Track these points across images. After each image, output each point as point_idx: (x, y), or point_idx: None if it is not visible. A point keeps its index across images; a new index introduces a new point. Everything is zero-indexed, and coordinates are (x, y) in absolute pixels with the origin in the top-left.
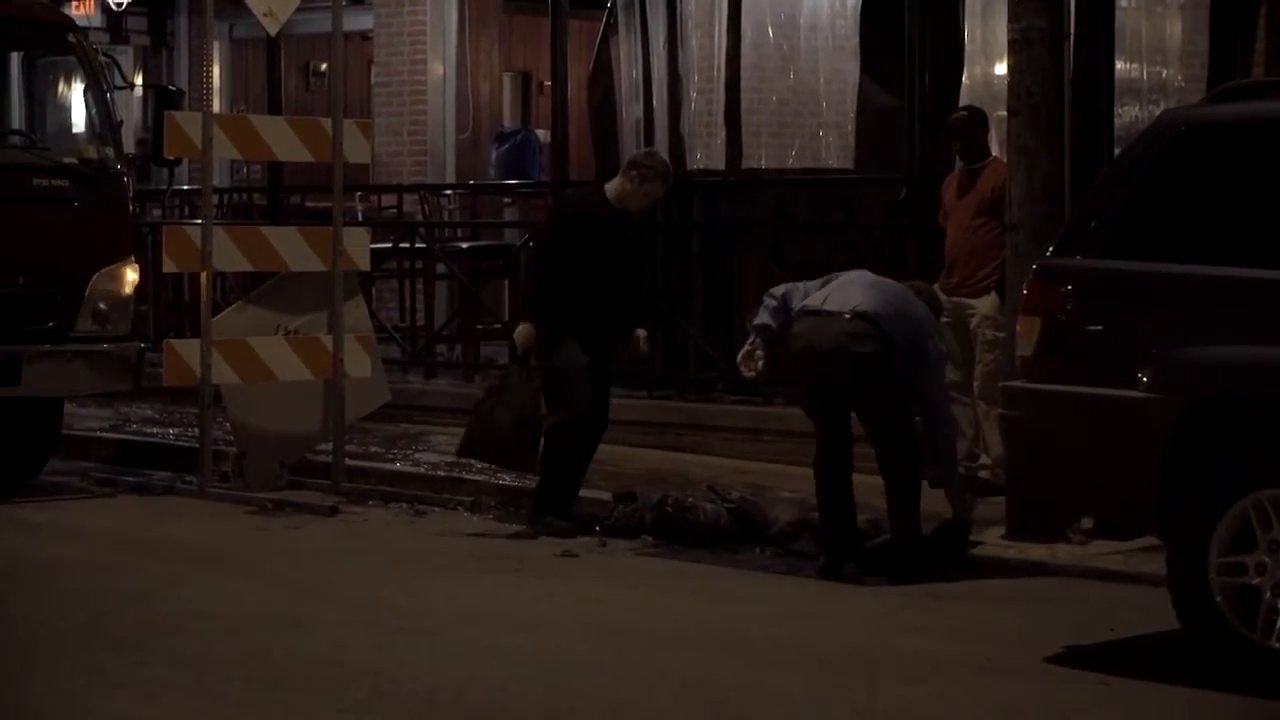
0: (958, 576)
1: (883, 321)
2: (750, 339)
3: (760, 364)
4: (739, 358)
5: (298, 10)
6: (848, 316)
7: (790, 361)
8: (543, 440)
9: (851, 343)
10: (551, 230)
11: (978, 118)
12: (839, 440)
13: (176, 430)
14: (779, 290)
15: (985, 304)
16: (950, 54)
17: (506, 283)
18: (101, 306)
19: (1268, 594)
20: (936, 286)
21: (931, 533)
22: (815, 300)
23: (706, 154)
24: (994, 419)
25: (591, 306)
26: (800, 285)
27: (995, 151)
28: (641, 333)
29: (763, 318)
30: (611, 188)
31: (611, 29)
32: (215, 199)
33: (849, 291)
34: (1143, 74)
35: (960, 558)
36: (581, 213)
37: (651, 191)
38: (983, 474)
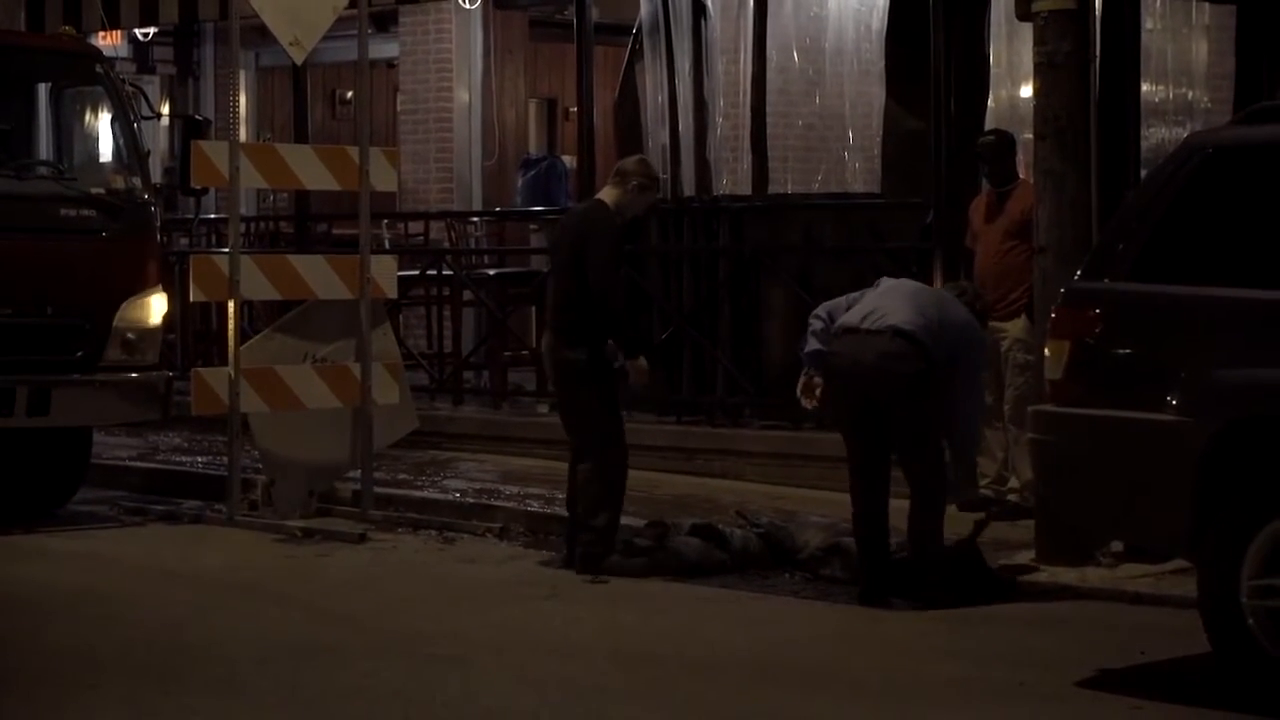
0: (981, 599)
1: (922, 338)
2: (805, 369)
3: (819, 391)
4: (799, 390)
5: (323, 38)
6: (888, 335)
7: (830, 381)
8: (595, 476)
9: (893, 363)
10: (615, 246)
11: (1006, 141)
12: (877, 463)
13: (205, 459)
14: (823, 310)
15: (1015, 327)
16: (976, 77)
17: (533, 309)
18: (130, 336)
19: None
20: None
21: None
22: (854, 317)
23: (733, 179)
24: (1024, 443)
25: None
26: (843, 300)
27: (1022, 174)
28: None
29: (812, 344)
30: (611, 198)
31: (637, 55)
32: (242, 228)
33: (888, 306)
34: (1169, 96)
35: (989, 579)
36: (620, 227)
37: (648, 199)
38: (1011, 497)
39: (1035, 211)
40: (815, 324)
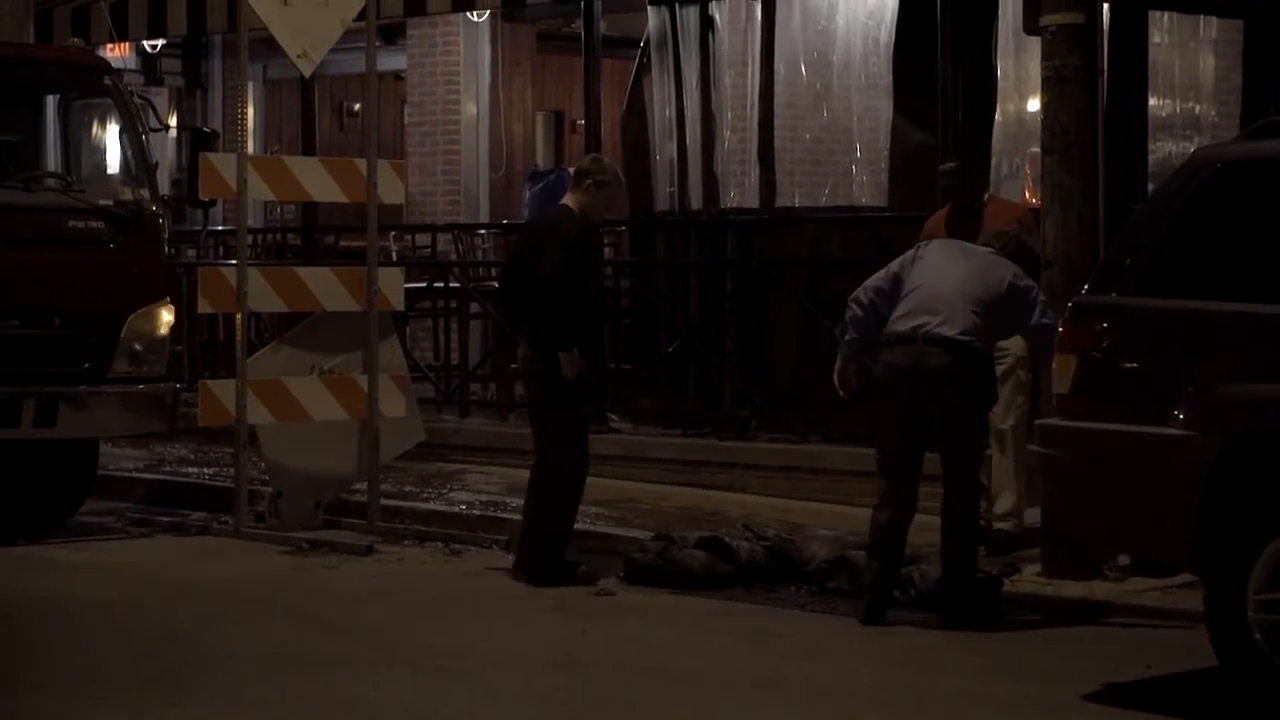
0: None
1: (978, 345)
2: (841, 356)
3: (854, 381)
4: (835, 377)
5: (331, 51)
6: (944, 348)
7: (884, 386)
8: (548, 488)
9: (952, 376)
10: (572, 250)
11: (970, 166)
12: (910, 475)
13: (212, 470)
14: (864, 295)
15: (1016, 345)
16: (983, 92)
17: None
18: (137, 348)
19: None
20: None
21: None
22: (905, 325)
23: (740, 192)
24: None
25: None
26: (885, 280)
27: (1029, 189)
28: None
29: (849, 333)
30: (574, 202)
31: (645, 68)
32: (250, 240)
33: (940, 309)
34: (1176, 111)
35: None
36: (585, 229)
37: (608, 197)
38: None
39: (1041, 226)
40: (854, 309)
